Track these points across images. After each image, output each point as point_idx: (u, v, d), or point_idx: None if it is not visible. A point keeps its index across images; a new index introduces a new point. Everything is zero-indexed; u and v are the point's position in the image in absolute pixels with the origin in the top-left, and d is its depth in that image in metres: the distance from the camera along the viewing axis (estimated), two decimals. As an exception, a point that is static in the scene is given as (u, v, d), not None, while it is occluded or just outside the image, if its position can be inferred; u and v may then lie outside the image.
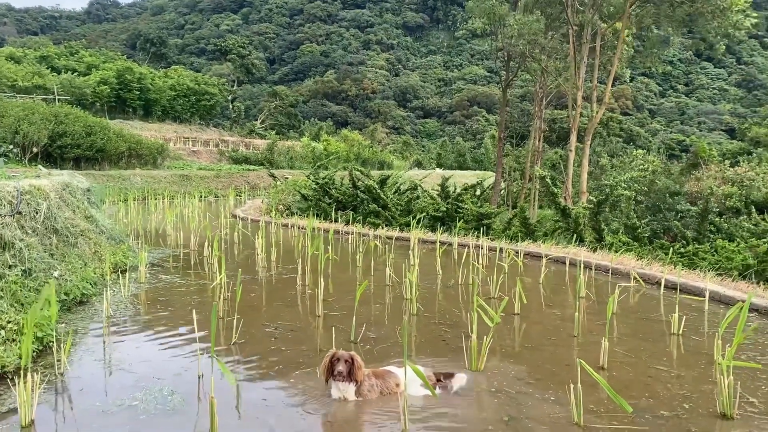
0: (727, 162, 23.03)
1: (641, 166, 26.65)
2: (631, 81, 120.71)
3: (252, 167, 39.63)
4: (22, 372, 4.86)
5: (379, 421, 4.42)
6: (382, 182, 19.23)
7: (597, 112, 19.18)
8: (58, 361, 5.31)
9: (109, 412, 4.45)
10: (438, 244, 11.78)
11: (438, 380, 5.07)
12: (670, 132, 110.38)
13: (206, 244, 12.16)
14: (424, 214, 15.59)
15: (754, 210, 15.17)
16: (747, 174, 20.80)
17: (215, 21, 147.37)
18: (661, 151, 56.88)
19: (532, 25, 19.84)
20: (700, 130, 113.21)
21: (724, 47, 20.91)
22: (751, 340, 6.49)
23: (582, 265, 9.42)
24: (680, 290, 9.02)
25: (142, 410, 4.49)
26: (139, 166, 33.87)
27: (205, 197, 30.93)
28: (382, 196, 17.33)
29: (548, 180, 13.98)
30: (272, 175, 28.81)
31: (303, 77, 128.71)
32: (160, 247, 13.30)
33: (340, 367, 4.66)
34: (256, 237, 13.32)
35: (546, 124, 27.33)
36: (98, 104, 47.32)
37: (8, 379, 5.01)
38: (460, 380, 5.12)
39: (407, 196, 19.20)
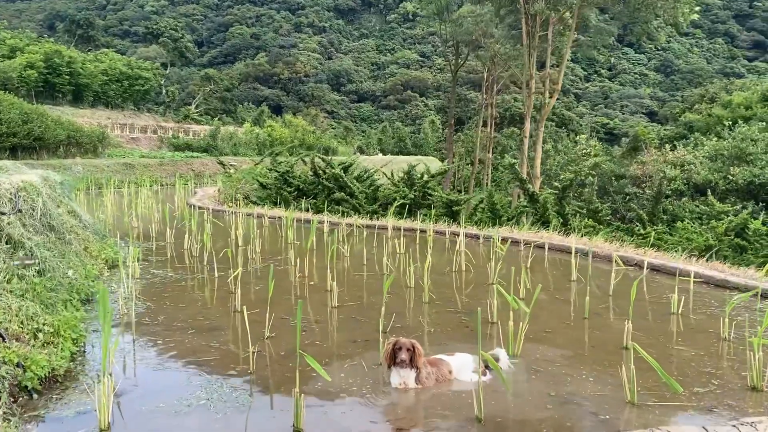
0: (667, 146, 24.27)
1: (584, 151, 27.76)
2: (558, 66, 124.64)
3: (195, 154, 38.75)
4: (64, 375, 4.84)
5: (448, 408, 4.62)
6: (345, 170, 19.29)
7: (550, 99, 19.83)
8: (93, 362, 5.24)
9: (182, 413, 4.47)
10: (418, 232, 12.02)
11: (486, 366, 5.31)
12: (595, 115, 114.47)
13: (186, 236, 11.97)
14: (396, 201, 15.79)
15: (710, 194, 16.15)
16: (686, 157, 22.02)
17: (139, 2, 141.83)
18: (591, 134, 59.13)
19: (484, 15, 20.27)
20: (623, 113, 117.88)
21: (664, 37, 21.94)
22: (745, 317, 7.02)
23: (574, 252, 9.83)
24: (661, 271, 9.62)
25: (214, 409, 4.52)
26: (80, 154, 32.54)
27: (150, 186, 30.10)
28: (349, 184, 17.41)
29: (517, 168, 14.44)
30: (221, 163, 28.36)
31: (233, 60, 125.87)
32: (130, 240, 12.97)
33: (403, 355, 4.83)
34: (232, 228, 13.23)
35: (497, 110, 27.88)
36: (24, 89, 44.93)
37: (58, 383, 4.93)
38: (504, 361, 5.38)
39: (370, 183, 19.37)
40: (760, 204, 17.50)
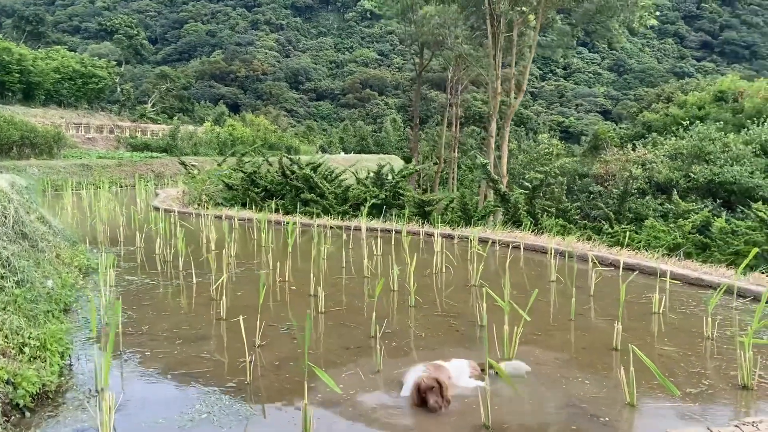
0: (629, 145, 24.83)
1: (546, 150, 28.19)
2: (516, 65, 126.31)
3: (155, 155, 37.91)
4: (54, 391, 4.69)
5: (454, 414, 4.62)
6: (314, 170, 19.15)
7: (516, 98, 20.06)
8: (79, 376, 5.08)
9: (186, 428, 4.36)
10: (393, 233, 12.01)
11: (482, 370, 5.33)
12: (551, 114, 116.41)
13: (157, 240, 11.72)
14: (368, 202, 15.74)
15: (675, 193, 16.56)
16: (647, 156, 22.56)
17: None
18: (549, 133, 60.10)
19: (450, 14, 20.38)
20: (578, 112, 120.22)
21: (624, 39, 22.45)
22: (724, 316, 7.22)
23: (552, 252, 9.95)
24: (635, 270, 9.82)
25: (218, 423, 4.43)
26: (34, 155, 31.46)
27: (109, 188, 29.34)
28: (319, 184, 17.29)
29: (489, 168, 14.56)
30: (183, 163, 27.86)
31: (188, 58, 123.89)
32: (98, 245, 12.63)
33: (432, 402, 4.52)
34: (203, 231, 13.01)
35: (461, 110, 28.09)
36: (-30, 88, 43.30)
37: (50, 399, 4.75)
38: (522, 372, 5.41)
39: (338, 183, 19.28)
40: (718, 201, 18.10)
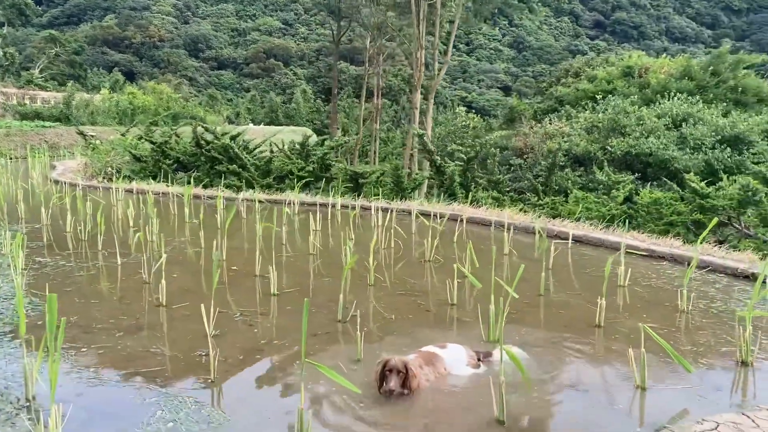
0: (547, 118, 25.15)
1: (464, 123, 28.16)
2: (410, 43, 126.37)
3: (48, 124, 34.73)
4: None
5: (463, 408, 4.13)
6: (232, 140, 18.04)
7: (440, 70, 19.70)
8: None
9: (152, 442, 3.62)
10: (330, 207, 11.36)
11: (478, 359, 4.87)
12: (455, 89, 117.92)
13: (68, 217, 10.48)
14: (293, 174, 14.94)
15: (606, 164, 16.78)
16: (563, 129, 22.91)
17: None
18: (455, 105, 60.70)
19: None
20: (480, 88, 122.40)
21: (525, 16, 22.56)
22: (699, 291, 7.12)
23: (507, 226, 9.63)
24: (583, 242, 9.71)
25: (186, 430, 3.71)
26: None
27: (-4, 159, 26.64)
28: (240, 155, 16.26)
29: (425, 139, 14.11)
30: (81, 134, 25.75)
31: (77, 21, 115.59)
32: (3, 224, 11.20)
33: (392, 384, 4.12)
34: (116, 206, 11.89)
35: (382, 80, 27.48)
36: None
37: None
38: (497, 352, 4.97)
39: (257, 155, 18.30)
40: (636, 174, 18.59)
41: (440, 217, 11.43)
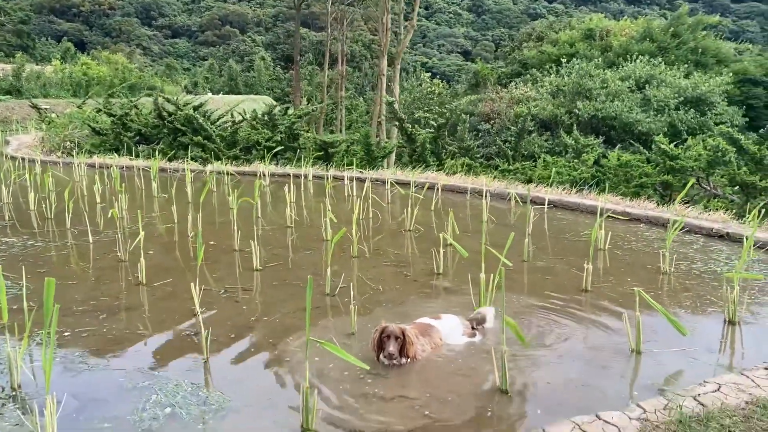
0: (513, 83, 25.11)
1: (429, 89, 27.96)
2: (377, 6, 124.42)
3: (-4, 97, 33.34)
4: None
5: (464, 376, 4.10)
6: (195, 110, 17.58)
7: (406, 35, 19.42)
8: None
9: (151, 430, 3.50)
10: (317, 178, 11.19)
11: (472, 326, 4.85)
12: (415, 54, 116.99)
13: (31, 194, 10.10)
14: (262, 144, 14.64)
15: (575, 128, 16.84)
16: (529, 94, 22.94)
17: None
18: (418, 71, 60.25)
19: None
20: (440, 52, 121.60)
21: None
22: (678, 252, 7.21)
23: (485, 193, 9.59)
24: (558, 206, 9.77)
25: (189, 418, 3.59)
26: None
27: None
28: (205, 126, 15.85)
29: (395, 106, 13.93)
30: (35, 107, 24.82)
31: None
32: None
33: (391, 348, 4.16)
34: (81, 182, 11.54)
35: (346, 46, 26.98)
36: None
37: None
38: (490, 319, 4.97)
39: (221, 125, 17.90)
40: (601, 137, 18.78)
41: (417, 186, 11.37)
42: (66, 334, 4.84)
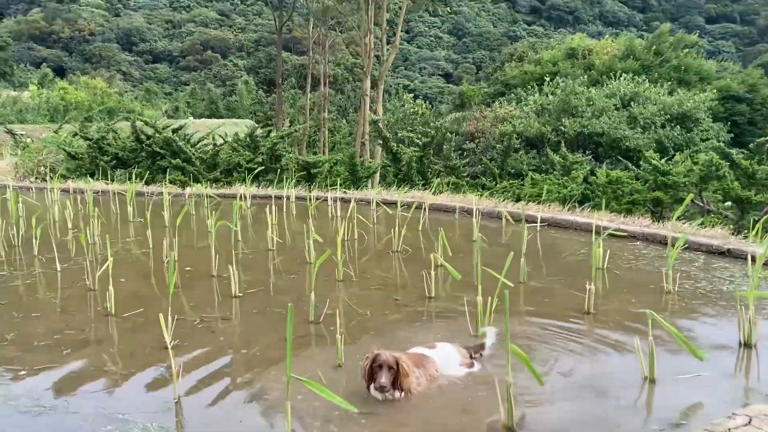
0: (497, 102, 24.99)
1: (412, 110, 27.80)
2: (359, 28, 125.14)
3: (-30, 123, 32.65)
4: None
5: (466, 413, 3.70)
6: (174, 133, 17.16)
7: (389, 56, 19.24)
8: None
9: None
10: (285, 199, 10.79)
11: (470, 354, 4.45)
12: (397, 77, 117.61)
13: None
14: (243, 166, 14.24)
15: (563, 145, 16.63)
16: (513, 113, 22.81)
17: None
18: (401, 93, 60.34)
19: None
20: (422, 75, 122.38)
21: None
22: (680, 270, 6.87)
23: (475, 211, 9.25)
24: (551, 224, 9.44)
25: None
26: None
27: None
28: (185, 149, 15.42)
29: (380, 125, 13.62)
30: (10, 132, 24.27)
31: (0, 15, 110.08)
32: None
33: (383, 380, 3.72)
34: (53, 208, 11.06)
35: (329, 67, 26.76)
36: None
37: None
38: (491, 338, 4.59)
39: (200, 148, 17.49)
40: (588, 153, 18.61)
41: (403, 206, 10.99)
42: (22, 372, 4.37)
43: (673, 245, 7.56)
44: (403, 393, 3.85)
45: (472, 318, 5.12)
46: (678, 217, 10.15)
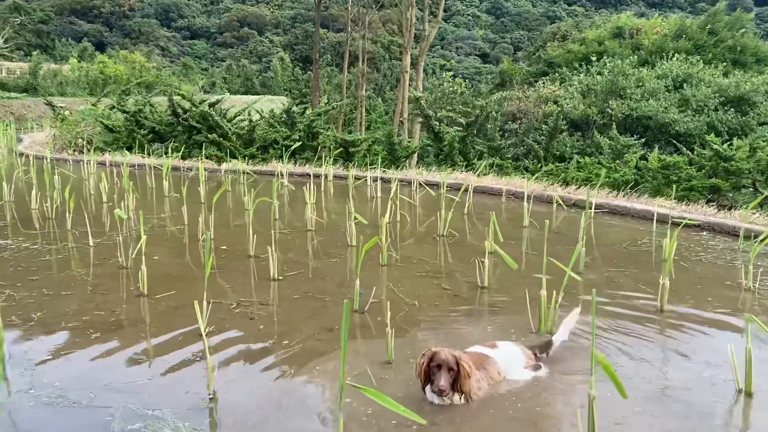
0: (540, 82, 24.17)
1: (451, 88, 27.12)
2: (396, 6, 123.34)
3: (13, 95, 32.86)
4: None
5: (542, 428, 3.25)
6: (211, 108, 16.86)
7: (431, 32, 18.60)
8: None
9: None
10: (338, 178, 10.39)
11: (535, 355, 3.99)
12: (433, 56, 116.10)
13: (33, 193, 9.40)
14: (280, 143, 13.87)
15: (614, 128, 15.89)
16: (557, 93, 21.99)
17: None
18: (439, 71, 59.38)
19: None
20: (458, 55, 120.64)
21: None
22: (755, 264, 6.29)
23: (526, 196, 8.74)
24: (606, 210, 8.87)
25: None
26: None
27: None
28: (221, 124, 15.11)
29: (422, 102, 13.10)
30: (50, 104, 24.34)
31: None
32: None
33: (442, 382, 3.29)
34: (89, 180, 10.85)
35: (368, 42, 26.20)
36: None
37: None
38: (562, 335, 4.13)
39: (237, 123, 17.17)
40: (636, 137, 17.77)
41: (447, 188, 10.51)
42: (47, 357, 4.04)
43: (746, 237, 7.01)
44: (463, 397, 3.42)
45: (534, 313, 4.64)
46: (728, 206, 9.50)
